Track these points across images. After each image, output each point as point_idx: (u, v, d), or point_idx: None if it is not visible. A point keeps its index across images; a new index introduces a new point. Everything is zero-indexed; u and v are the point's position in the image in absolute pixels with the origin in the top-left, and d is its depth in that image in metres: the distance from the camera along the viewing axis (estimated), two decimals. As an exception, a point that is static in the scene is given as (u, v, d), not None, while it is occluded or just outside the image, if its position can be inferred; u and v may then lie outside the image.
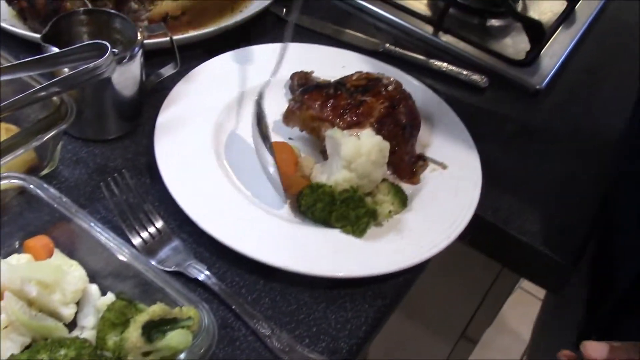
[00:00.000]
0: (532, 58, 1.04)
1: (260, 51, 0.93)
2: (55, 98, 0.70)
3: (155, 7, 1.01)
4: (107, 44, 0.69)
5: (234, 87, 0.88)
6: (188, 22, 1.00)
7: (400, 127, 0.81)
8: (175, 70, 0.86)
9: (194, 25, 0.99)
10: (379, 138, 0.76)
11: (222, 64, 0.90)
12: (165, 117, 0.80)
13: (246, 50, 0.92)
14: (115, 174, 0.73)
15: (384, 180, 0.78)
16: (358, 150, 0.74)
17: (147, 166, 0.78)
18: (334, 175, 0.75)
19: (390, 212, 0.75)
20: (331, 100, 0.81)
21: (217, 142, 0.81)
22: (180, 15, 1.01)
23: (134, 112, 0.83)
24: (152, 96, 0.84)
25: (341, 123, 0.79)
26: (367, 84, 0.83)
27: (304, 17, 1.06)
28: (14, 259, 0.63)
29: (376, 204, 0.75)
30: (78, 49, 0.70)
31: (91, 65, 0.68)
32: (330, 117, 0.80)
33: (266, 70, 0.89)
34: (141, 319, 0.55)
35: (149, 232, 0.71)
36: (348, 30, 1.05)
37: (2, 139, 0.69)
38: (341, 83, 0.84)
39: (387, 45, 1.03)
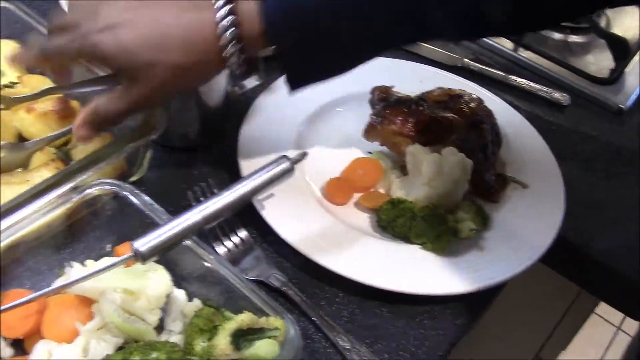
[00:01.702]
0: (616, 76, 1.01)
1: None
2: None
3: (238, 20, 1.03)
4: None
5: (315, 99, 0.89)
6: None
7: (482, 144, 0.80)
8: (259, 82, 0.87)
9: (274, 37, 1.01)
10: (461, 156, 0.75)
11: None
12: (249, 128, 0.82)
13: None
14: (202, 183, 0.75)
15: (464, 197, 0.77)
16: (440, 168, 0.74)
17: (230, 175, 0.80)
18: (414, 191, 0.75)
19: (471, 230, 0.74)
20: (413, 116, 0.80)
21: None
22: (262, 28, 1.03)
23: (218, 122, 0.85)
24: (236, 107, 0.86)
25: (423, 139, 0.79)
26: (449, 100, 0.83)
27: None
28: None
29: (457, 221, 0.75)
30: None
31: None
32: (411, 133, 0.79)
33: (346, 81, 0.90)
34: (230, 326, 0.57)
35: (232, 241, 0.72)
36: (426, 45, 1.04)
37: (97, 147, 0.72)
38: (422, 99, 0.84)
39: (466, 60, 1.02)
